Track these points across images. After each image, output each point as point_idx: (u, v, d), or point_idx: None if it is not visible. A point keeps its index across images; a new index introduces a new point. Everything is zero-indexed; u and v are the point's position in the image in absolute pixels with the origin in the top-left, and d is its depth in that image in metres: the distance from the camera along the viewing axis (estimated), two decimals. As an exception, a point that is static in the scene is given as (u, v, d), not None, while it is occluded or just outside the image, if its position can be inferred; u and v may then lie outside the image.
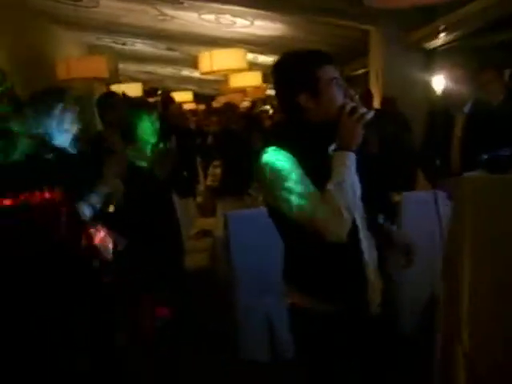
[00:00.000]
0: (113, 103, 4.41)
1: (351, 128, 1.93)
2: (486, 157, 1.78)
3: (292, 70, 2.04)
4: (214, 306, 4.50)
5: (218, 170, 6.73)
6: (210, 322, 4.40)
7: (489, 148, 1.88)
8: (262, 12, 7.44)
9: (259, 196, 5.18)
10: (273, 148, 1.98)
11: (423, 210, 3.85)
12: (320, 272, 2.00)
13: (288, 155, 1.94)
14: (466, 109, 4.08)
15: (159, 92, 15.30)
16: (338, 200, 1.86)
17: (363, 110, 1.95)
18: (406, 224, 3.85)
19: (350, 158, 1.92)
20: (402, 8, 4.34)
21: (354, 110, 1.94)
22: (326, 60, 2.05)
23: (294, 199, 1.89)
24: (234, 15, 7.80)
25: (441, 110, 4.47)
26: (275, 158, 1.96)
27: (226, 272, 4.19)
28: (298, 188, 1.90)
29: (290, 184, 1.91)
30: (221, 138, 7.00)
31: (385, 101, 6.83)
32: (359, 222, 2.02)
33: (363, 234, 2.03)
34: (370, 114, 1.94)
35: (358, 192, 1.93)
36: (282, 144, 1.97)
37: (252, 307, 4.01)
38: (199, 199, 7.76)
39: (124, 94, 6.10)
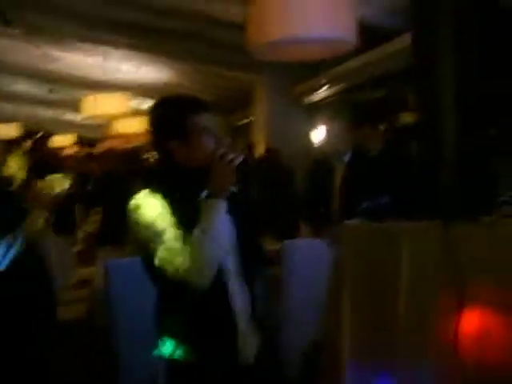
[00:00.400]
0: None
1: (221, 174, 1.91)
2: (365, 205, 1.82)
3: (164, 116, 2.04)
4: (91, 359, 4.27)
5: (99, 217, 6.51)
6: (85, 375, 4.16)
7: (368, 196, 1.92)
8: (149, 58, 7.42)
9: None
10: (145, 192, 1.95)
11: (306, 257, 3.91)
12: (188, 321, 1.96)
13: (158, 200, 1.91)
14: (346, 158, 4.24)
15: (39, 135, 14.75)
16: (200, 248, 1.83)
17: (233, 154, 1.92)
18: (287, 272, 3.87)
19: (219, 205, 1.89)
20: (288, 62, 4.46)
21: (223, 155, 1.92)
22: (201, 107, 2.05)
23: (157, 247, 1.85)
24: (120, 60, 7.73)
25: (322, 159, 4.62)
26: (145, 202, 1.93)
27: (104, 323, 4.00)
28: (162, 236, 1.86)
29: (155, 231, 1.87)
30: (101, 183, 6.82)
31: (268, 151, 6.98)
32: (231, 270, 1.98)
33: (235, 283, 1.99)
34: (239, 159, 1.92)
35: (227, 240, 1.92)
36: (155, 188, 1.94)
37: (133, 359, 3.84)
38: (78, 247, 7.45)
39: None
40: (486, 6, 1.78)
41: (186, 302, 1.93)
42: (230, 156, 1.91)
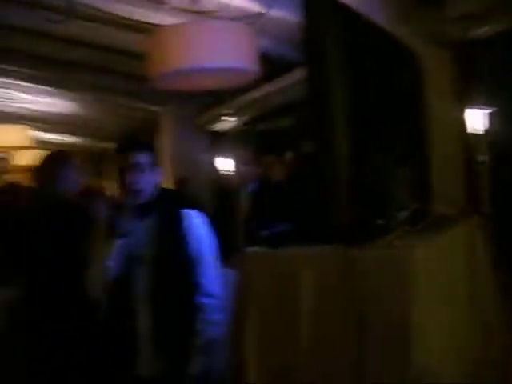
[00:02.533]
0: None
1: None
2: (265, 232, 1.84)
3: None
4: None
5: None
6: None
7: (272, 224, 1.95)
8: (50, 88, 7.22)
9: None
10: None
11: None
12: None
13: None
14: (250, 187, 4.29)
15: None
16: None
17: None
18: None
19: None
20: (190, 92, 4.48)
21: None
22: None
23: None
24: (18, 90, 7.46)
25: (227, 188, 4.65)
26: None
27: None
28: None
29: None
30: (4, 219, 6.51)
31: (178, 181, 6.94)
32: (139, 295, 2.27)
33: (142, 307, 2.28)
34: None
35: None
36: None
37: None
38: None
39: None
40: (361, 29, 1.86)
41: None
42: None
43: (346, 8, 1.74)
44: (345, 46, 1.59)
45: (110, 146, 11.04)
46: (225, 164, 6.60)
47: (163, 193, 2.49)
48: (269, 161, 5.09)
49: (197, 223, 2.43)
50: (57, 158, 3.26)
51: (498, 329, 2.23)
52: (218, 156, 6.69)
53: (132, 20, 4.81)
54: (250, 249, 1.83)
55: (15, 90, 7.40)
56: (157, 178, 2.45)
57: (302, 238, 1.74)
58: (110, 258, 2.30)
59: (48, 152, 3.41)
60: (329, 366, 1.64)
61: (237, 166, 4.59)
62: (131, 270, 2.32)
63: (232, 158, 6.11)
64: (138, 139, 2.61)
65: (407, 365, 1.54)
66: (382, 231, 1.66)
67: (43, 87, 7.15)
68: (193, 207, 2.47)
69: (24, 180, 11.51)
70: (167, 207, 2.44)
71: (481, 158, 5.45)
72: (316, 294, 1.65)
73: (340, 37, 1.57)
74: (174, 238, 2.36)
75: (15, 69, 6.28)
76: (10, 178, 10.78)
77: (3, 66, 6.21)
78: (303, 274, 1.65)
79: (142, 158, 2.39)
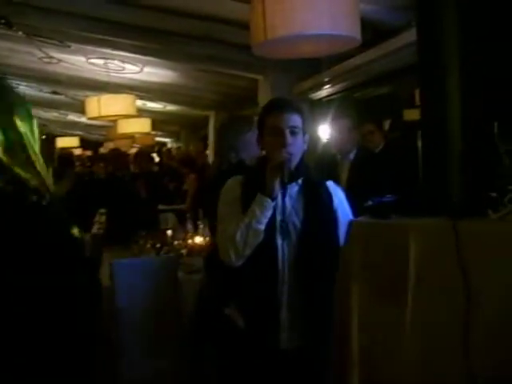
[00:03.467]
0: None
1: (268, 175, 2.20)
2: (370, 203, 1.81)
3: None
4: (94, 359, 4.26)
5: (104, 218, 6.52)
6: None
7: (373, 194, 1.92)
8: (152, 59, 7.42)
9: (147, 243, 5.06)
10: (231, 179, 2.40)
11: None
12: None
13: (235, 188, 2.33)
14: (351, 156, 4.24)
15: (43, 137, 14.78)
16: (233, 234, 2.20)
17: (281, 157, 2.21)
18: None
19: (263, 201, 2.18)
20: (290, 59, 4.45)
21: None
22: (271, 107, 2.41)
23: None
24: (123, 61, 7.72)
25: (328, 156, 4.61)
26: (225, 187, 2.38)
27: (109, 324, 4.00)
28: (226, 218, 2.31)
29: (223, 212, 2.33)
30: (106, 185, 6.83)
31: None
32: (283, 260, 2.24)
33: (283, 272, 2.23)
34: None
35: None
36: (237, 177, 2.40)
37: (136, 360, 3.84)
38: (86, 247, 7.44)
39: None
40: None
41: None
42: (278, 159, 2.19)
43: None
44: (460, 11, 1.52)
45: (211, 114, 11.29)
46: (324, 132, 6.55)
47: (305, 162, 2.40)
48: (367, 130, 5.00)
49: (342, 197, 2.38)
50: (238, 122, 3.24)
51: None
52: (318, 124, 6.64)
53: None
54: (355, 219, 1.82)
55: (120, 60, 7.67)
56: (305, 144, 2.36)
57: (409, 209, 1.70)
58: (259, 221, 2.20)
59: (226, 117, 3.34)
60: (434, 342, 1.61)
61: (336, 135, 4.54)
62: (274, 236, 2.24)
63: (332, 126, 6.04)
64: (292, 102, 2.47)
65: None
66: (494, 204, 1.59)
67: (146, 58, 7.36)
68: (331, 180, 2.42)
69: (128, 147, 12.00)
70: (312, 176, 2.37)
71: None
72: (421, 267, 1.62)
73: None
74: (323, 209, 2.27)
75: (120, 40, 6.49)
76: (115, 145, 11.30)
77: (110, 38, 6.43)
78: (411, 247, 1.62)
79: (298, 120, 2.31)
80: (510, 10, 1.86)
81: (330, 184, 2.38)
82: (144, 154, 8.44)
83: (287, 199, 2.25)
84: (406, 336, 1.68)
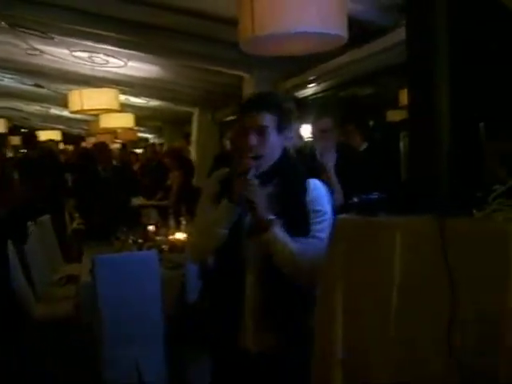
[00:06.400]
0: None
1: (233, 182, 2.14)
2: (356, 200, 1.81)
3: None
4: (75, 357, 4.24)
5: (77, 214, 6.50)
6: (68, 375, 4.13)
7: (356, 192, 1.92)
8: (136, 53, 7.36)
9: (128, 239, 5.03)
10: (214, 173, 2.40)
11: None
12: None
13: (212, 184, 2.34)
14: (332, 154, 4.23)
15: (23, 130, 14.59)
16: (194, 236, 2.36)
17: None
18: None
19: (228, 209, 2.15)
20: (276, 56, 4.44)
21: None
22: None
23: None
24: (108, 54, 7.65)
25: (310, 154, 4.61)
26: (205, 182, 2.57)
27: (90, 320, 3.97)
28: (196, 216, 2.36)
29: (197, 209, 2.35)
30: (89, 179, 6.78)
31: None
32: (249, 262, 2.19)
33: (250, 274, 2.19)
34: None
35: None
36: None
37: (118, 357, 3.81)
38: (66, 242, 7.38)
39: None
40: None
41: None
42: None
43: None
44: (449, 10, 1.53)
45: (195, 110, 11.24)
46: (308, 131, 6.55)
47: (288, 159, 2.28)
48: (350, 129, 5.02)
49: (320, 195, 2.24)
50: None
51: None
52: (302, 123, 6.65)
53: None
54: (340, 216, 1.82)
55: (104, 54, 7.60)
56: (283, 142, 2.24)
57: (395, 206, 1.71)
58: (221, 226, 2.14)
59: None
60: (418, 341, 1.62)
61: (318, 133, 4.54)
62: (240, 237, 2.17)
63: (314, 125, 6.03)
64: (263, 98, 2.31)
65: (497, 351, 1.48)
66: (479, 204, 1.60)
67: (131, 52, 7.31)
68: (317, 176, 2.29)
69: (110, 141, 11.90)
70: (291, 175, 2.24)
71: None
72: (407, 265, 1.62)
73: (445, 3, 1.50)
74: (295, 210, 2.17)
75: (104, 33, 6.43)
76: (98, 140, 11.21)
77: (94, 31, 6.37)
78: (397, 244, 1.62)
79: (267, 118, 2.18)
80: (496, 11, 1.87)
81: (310, 182, 2.25)
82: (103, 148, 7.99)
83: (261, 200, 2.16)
84: (390, 334, 1.69)
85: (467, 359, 1.53)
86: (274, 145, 2.20)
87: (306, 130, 6.67)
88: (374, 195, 1.83)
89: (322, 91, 6.66)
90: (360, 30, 4.99)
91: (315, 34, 3.43)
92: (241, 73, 7.27)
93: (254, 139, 2.14)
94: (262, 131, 2.17)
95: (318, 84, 6.48)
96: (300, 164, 2.34)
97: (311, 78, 6.36)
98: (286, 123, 2.23)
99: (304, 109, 6.93)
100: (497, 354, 1.47)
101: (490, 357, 1.48)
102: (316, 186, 2.24)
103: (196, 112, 11.27)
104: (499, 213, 1.59)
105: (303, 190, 2.20)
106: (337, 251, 1.75)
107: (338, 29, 3.42)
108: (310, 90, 6.71)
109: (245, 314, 2.18)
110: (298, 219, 2.16)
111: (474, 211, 1.58)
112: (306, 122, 6.66)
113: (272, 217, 2.12)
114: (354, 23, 4.08)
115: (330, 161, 4.00)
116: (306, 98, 7.03)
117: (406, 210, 1.66)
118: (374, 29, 5.00)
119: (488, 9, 1.85)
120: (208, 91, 9.68)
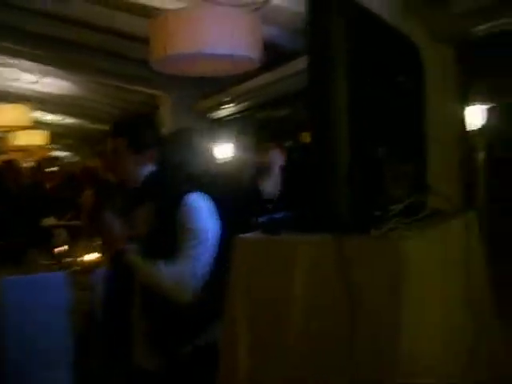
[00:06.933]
0: None
1: None
2: (261, 219, 1.84)
3: None
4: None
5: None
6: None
7: (268, 210, 1.96)
8: (51, 69, 7.20)
9: (38, 260, 4.86)
10: None
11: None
12: None
13: None
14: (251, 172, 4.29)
15: None
16: None
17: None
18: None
19: None
20: (191, 76, 4.47)
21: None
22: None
23: None
24: (21, 69, 7.43)
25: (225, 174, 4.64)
26: None
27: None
28: None
29: None
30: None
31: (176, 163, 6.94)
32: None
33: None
34: None
35: None
36: None
37: (24, 377, 3.71)
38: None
39: None
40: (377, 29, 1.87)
41: None
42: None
43: (350, 0, 1.75)
44: (348, 39, 1.60)
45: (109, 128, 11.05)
46: (224, 151, 6.61)
47: (157, 178, 2.27)
48: (265, 148, 5.09)
49: (193, 211, 2.16)
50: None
51: (492, 330, 2.24)
52: (218, 143, 6.70)
53: (135, 3, 4.80)
54: (242, 235, 1.84)
55: (17, 68, 7.39)
56: (142, 162, 2.23)
57: (299, 225, 1.75)
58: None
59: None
60: (320, 359, 1.66)
61: (236, 153, 4.59)
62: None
63: (231, 145, 6.10)
64: (117, 123, 2.38)
65: (394, 366, 1.54)
66: (378, 222, 1.67)
67: (44, 67, 7.14)
68: (193, 190, 2.19)
69: (22, 159, 11.50)
70: (164, 194, 2.22)
71: (479, 154, 5.48)
72: (310, 283, 1.66)
73: (344, 29, 1.57)
74: (164, 229, 2.14)
75: (17, 48, 6.26)
76: (9, 157, 10.79)
77: (6, 45, 6.19)
78: (297, 262, 1.66)
79: (118, 141, 2.23)
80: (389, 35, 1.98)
81: (185, 198, 2.14)
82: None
83: (136, 221, 2.23)
84: (293, 353, 1.71)
85: (366, 376, 1.57)
86: (130, 166, 2.23)
87: (225, 150, 6.74)
88: (280, 214, 1.87)
89: (239, 112, 6.74)
90: (275, 54, 5.11)
91: (228, 56, 3.50)
92: (155, 91, 7.25)
93: (109, 162, 2.27)
94: (115, 154, 2.22)
95: (235, 105, 6.56)
96: (184, 181, 2.28)
97: (227, 98, 6.43)
98: (140, 144, 2.24)
99: (220, 129, 6.99)
100: (394, 373, 1.53)
101: (385, 375, 1.54)
102: (190, 203, 2.14)
103: (112, 130, 11.07)
104: (395, 231, 1.66)
105: (176, 207, 2.14)
106: (239, 271, 1.77)
107: (251, 51, 3.50)
108: (226, 110, 6.77)
109: (135, 338, 2.22)
110: (168, 238, 2.13)
111: (372, 230, 1.64)
112: (223, 142, 6.72)
113: (123, 246, 2.14)
114: (268, 47, 4.18)
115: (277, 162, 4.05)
116: (222, 118, 7.10)
117: (307, 229, 1.70)
118: (288, 52, 5.14)
119: (383, 35, 1.95)
120: (123, 109, 9.57)
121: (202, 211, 2.16)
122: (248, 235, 1.77)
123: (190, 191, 2.18)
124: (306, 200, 1.81)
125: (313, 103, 1.63)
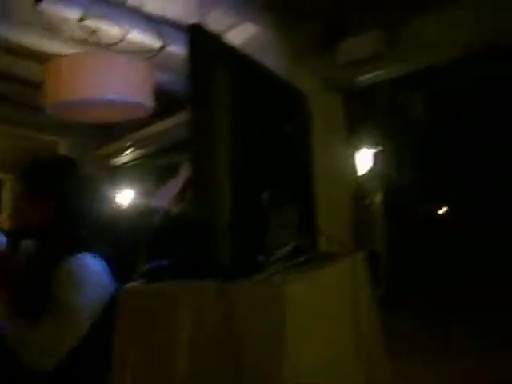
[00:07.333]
0: None
1: None
2: (145, 267, 1.81)
3: None
4: None
5: None
6: None
7: (152, 258, 1.92)
8: None
9: None
10: None
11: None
12: None
13: None
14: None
15: None
16: None
17: None
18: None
19: None
20: (86, 123, 4.40)
21: None
22: None
23: None
24: None
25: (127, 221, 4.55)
26: None
27: None
28: None
29: None
30: None
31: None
32: None
33: None
34: None
35: None
36: None
37: None
38: None
39: None
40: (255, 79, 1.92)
41: None
42: None
43: (233, 49, 1.78)
44: (231, 88, 1.62)
45: (7, 177, 10.60)
46: (125, 197, 6.51)
47: (46, 232, 2.07)
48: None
49: (72, 273, 1.97)
50: None
51: (382, 371, 2.28)
52: (119, 189, 6.59)
53: (28, 48, 4.70)
54: (128, 284, 1.79)
55: None
56: (39, 211, 2.05)
57: (180, 272, 1.73)
58: None
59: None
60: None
61: (135, 199, 4.52)
62: None
63: (132, 191, 6.02)
64: (23, 168, 2.17)
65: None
66: (261, 267, 1.68)
67: None
68: (82, 250, 2.02)
69: None
70: (44, 251, 2.05)
71: (370, 197, 5.69)
72: (192, 331, 1.64)
73: (226, 78, 1.59)
74: (37, 292, 1.96)
75: None
76: None
77: None
78: (179, 310, 1.63)
79: (20, 186, 2.10)
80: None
81: (65, 259, 1.97)
82: None
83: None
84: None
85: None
86: (27, 210, 2.09)
87: (125, 196, 6.63)
88: (163, 261, 1.84)
89: (138, 158, 6.69)
90: (170, 100, 5.13)
91: (119, 101, 3.48)
92: (52, 137, 7.07)
93: (13, 207, 2.18)
94: (17, 198, 2.18)
95: (134, 151, 6.51)
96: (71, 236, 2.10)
97: (126, 145, 6.38)
98: (40, 188, 2.09)
99: (120, 175, 6.89)
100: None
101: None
102: (69, 268, 1.97)
103: (8, 179, 10.64)
104: (277, 275, 1.67)
105: (52, 268, 1.96)
106: (123, 321, 1.71)
107: (143, 98, 3.49)
108: (127, 157, 6.71)
109: None
110: (32, 295, 1.99)
111: (255, 275, 1.65)
112: (124, 188, 6.63)
113: None
114: (163, 93, 4.19)
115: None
116: (123, 164, 7.01)
117: (190, 276, 1.68)
118: (182, 99, 5.17)
119: (268, 84, 2.00)
120: (22, 157, 9.22)
121: (82, 281, 1.98)
122: (132, 284, 1.73)
123: (74, 251, 2.00)
124: (187, 247, 1.80)
125: (194, 152, 1.64)
